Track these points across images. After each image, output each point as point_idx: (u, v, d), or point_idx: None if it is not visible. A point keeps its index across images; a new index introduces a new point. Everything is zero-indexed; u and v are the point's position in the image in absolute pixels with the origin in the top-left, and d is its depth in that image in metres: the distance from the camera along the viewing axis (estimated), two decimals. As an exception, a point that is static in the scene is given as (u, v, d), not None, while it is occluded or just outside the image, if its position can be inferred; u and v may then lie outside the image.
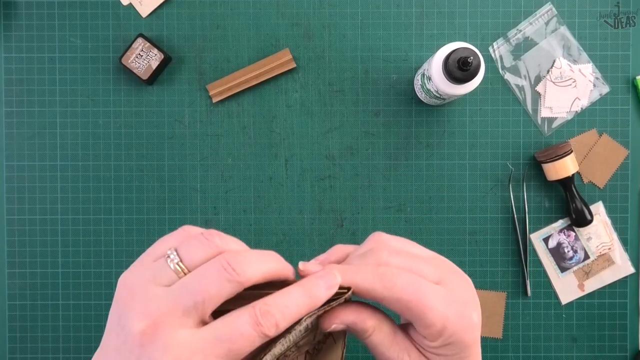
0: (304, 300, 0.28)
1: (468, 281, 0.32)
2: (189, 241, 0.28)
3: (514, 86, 0.62)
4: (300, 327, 0.29)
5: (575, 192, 0.60)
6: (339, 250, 0.34)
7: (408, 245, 0.33)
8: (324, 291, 0.28)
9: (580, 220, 0.60)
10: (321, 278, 0.29)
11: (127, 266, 0.64)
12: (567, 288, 0.63)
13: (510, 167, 0.62)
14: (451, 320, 0.29)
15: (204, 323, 0.27)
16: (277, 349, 0.29)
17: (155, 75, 0.61)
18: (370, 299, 0.31)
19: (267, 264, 0.28)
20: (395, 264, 0.31)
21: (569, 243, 0.63)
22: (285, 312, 0.27)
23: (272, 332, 0.26)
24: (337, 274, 0.29)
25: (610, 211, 0.63)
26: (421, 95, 0.60)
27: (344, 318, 0.31)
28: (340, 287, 0.30)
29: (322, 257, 0.34)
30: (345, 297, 0.31)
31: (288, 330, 0.28)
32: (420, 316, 0.29)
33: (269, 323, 0.26)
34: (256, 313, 0.26)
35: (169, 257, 0.27)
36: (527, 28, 0.62)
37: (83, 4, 0.62)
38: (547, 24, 0.62)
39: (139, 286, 0.27)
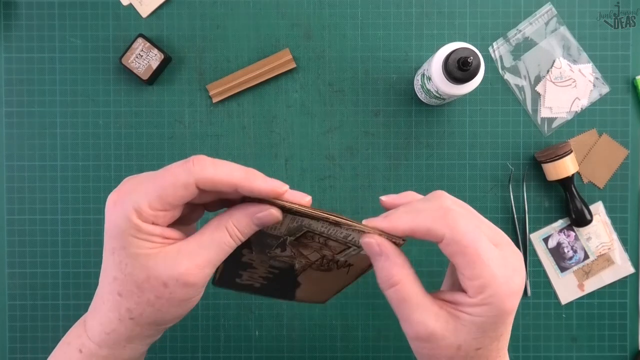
0: (235, 172, 0.31)
1: (520, 256, 0.32)
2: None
3: (513, 86, 0.62)
4: (341, 230, 0.32)
5: (575, 192, 0.60)
6: (409, 195, 0.36)
7: (474, 210, 0.34)
8: (260, 181, 0.31)
9: (580, 220, 0.60)
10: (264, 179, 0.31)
11: (127, 266, 0.64)
12: (567, 288, 0.63)
13: (510, 167, 0.62)
14: (498, 280, 0.30)
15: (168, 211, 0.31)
16: (316, 224, 0.32)
17: (155, 75, 0.61)
18: (430, 237, 0.31)
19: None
20: (455, 207, 0.31)
21: (568, 243, 0.63)
22: (210, 167, 0.30)
23: (197, 172, 0.30)
24: (283, 186, 0.32)
25: (610, 211, 0.63)
26: (421, 95, 0.60)
27: (382, 244, 0.32)
28: (397, 237, 0.32)
29: (393, 196, 0.36)
30: (396, 241, 0.32)
31: (337, 224, 0.32)
32: (471, 265, 0.30)
33: (195, 166, 0.30)
34: (187, 159, 0.31)
35: None
36: (527, 28, 0.62)
37: (83, 4, 0.62)
38: (547, 24, 0.62)
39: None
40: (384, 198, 0.36)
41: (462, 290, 0.31)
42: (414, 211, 0.32)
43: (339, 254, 0.36)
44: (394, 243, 0.33)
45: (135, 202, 0.30)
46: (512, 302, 0.30)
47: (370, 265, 0.36)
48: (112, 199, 0.31)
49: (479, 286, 0.30)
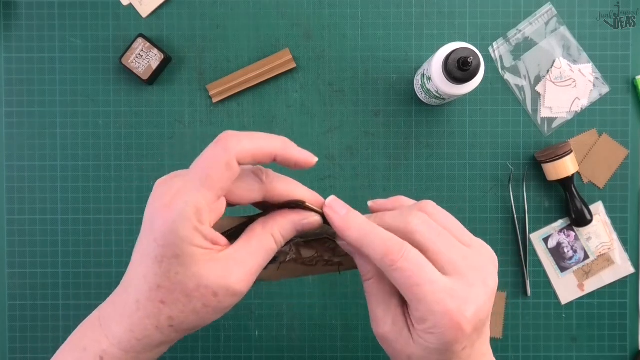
0: (272, 142, 0.31)
1: (489, 281, 0.31)
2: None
3: (513, 86, 0.62)
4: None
5: (575, 192, 0.60)
6: (397, 200, 0.36)
7: (450, 221, 0.33)
8: (295, 150, 0.32)
9: (580, 220, 0.60)
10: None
11: (126, 266, 0.64)
12: (567, 288, 0.63)
13: (510, 167, 0.62)
14: (436, 314, 0.29)
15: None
16: None
17: (155, 75, 0.61)
18: (376, 263, 0.31)
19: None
20: (422, 228, 0.31)
21: (568, 243, 0.63)
22: (245, 140, 0.30)
23: (233, 147, 0.29)
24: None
25: (610, 211, 0.63)
26: (421, 95, 0.60)
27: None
28: None
29: (381, 201, 0.36)
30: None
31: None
32: (411, 295, 0.30)
33: (228, 141, 0.29)
34: (217, 139, 0.30)
35: None
36: (527, 28, 0.62)
37: (83, 4, 0.62)
38: (547, 24, 0.62)
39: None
40: (371, 203, 0.36)
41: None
42: (374, 225, 0.32)
43: (338, 257, 0.36)
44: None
45: (191, 201, 0.28)
46: (454, 334, 0.29)
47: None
48: (161, 203, 0.29)
49: (419, 318, 0.30)
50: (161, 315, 0.30)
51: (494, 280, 0.32)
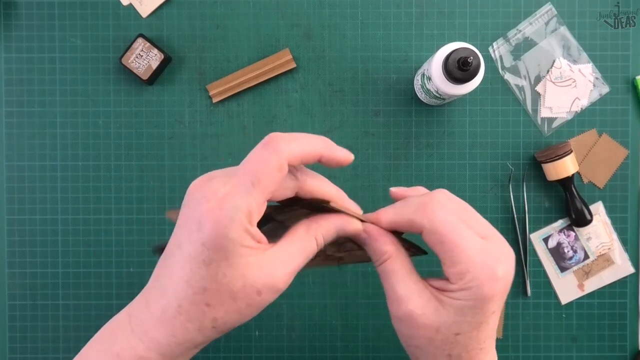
0: (316, 143, 0.32)
1: (509, 251, 0.33)
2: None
3: (513, 86, 0.62)
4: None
5: (575, 192, 0.60)
6: (418, 189, 0.37)
7: (466, 204, 0.34)
8: (338, 150, 0.33)
9: (580, 220, 0.60)
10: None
11: (127, 266, 0.64)
12: (567, 288, 0.63)
13: (510, 167, 0.62)
14: (476, 265, 0.30)
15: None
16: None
17: (155, 75, 0.61)
18: (412, 229, 0.33)
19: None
20: (439, 202, 0.33)
21: (568, 243, 0.63)
22: (294, 142, 0.30)
23: (284, 150, 0.29)
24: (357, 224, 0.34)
25: (610, 211, 0.63)
26: (421, 95, 0.60)
27: (368, 228, 0.34)
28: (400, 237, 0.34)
29: (403, 188, 0.38)
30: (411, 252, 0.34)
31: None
32: (450, 252, 0.31)
33: (279, 144, 0.30)
34: (265, 142, 0.30)
35: None
36: (527, 28, 0.62)
37: (83, 4, 0.62)
38: (547, 24, 0.62)
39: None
40: (393, 189, 0.38)
41: (448, 280, 0.32)
42: (400, 205, 0.34)
43: (343, 252, 0.37)
44: (410, 253, 0.35)
45: (243, 206, 0.28)
46: (491, 288, 0.30)
47: (359, 260, 0.38)
48: (208, 206, 0.29)
49: (458, 272, 0.31)
50: (205, 318, 0.30)
51: (509, 250, 0.33)
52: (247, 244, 0.29)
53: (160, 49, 0.60)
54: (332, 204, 0.33)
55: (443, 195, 0.33)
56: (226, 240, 0.28)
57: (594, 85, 0.62)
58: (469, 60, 0.49)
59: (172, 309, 0.30)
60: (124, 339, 0.31)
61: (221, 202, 0.28)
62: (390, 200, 0.38)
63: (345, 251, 0.37)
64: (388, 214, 0.34)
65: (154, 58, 0.60)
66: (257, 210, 0.29)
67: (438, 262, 0.32)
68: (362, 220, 0.34)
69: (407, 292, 0.32)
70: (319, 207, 0.33)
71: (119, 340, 0.31)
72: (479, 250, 0.31)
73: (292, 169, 0.32)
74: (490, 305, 0.31)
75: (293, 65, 0.61)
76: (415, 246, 0.35)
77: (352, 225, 0.33)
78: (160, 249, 0.35)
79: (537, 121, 0.62)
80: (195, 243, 0.29)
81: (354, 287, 0.62)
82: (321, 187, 0.33)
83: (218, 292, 0.29)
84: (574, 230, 0.62)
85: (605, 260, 0.62)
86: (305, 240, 0.32)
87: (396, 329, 0.34)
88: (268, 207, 0.34)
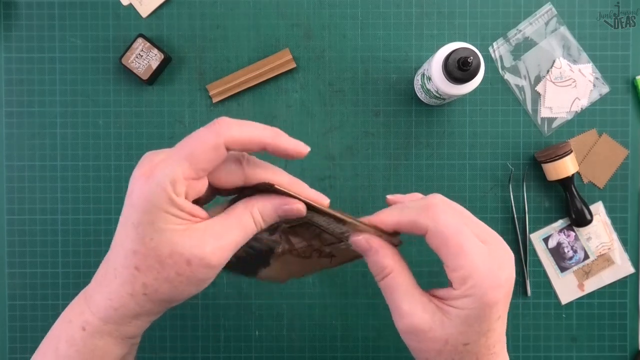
0: (263, 131, 0.32)
1: (510, 254, 0.33)
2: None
3: (514, 86, 0.62)
4: (341, 227, 0.34)
5: (575, 192, 0.60)
6: (415, 196, 0.37)
7: (464, 209, 0.34)
8: (285, 140, 0.33)
9: (580, 220, 0.60)
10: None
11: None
12: (567, 288, 0.63)
13: (510, 167, 0.62)
14: (480, 271, 0.30)
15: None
16: (319, 219, 0.34)
17: (155, 75, 0.61)
18: (416, 230, 0.33)
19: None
20: (442, 206, 0.33)
21: (568, 243, 0.63)
22: (237, 127, 0.31)
23: (224, 133, 0.30)
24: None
25: (610, 211, 0.63)
26: (421, 95, 0.60)
27: (370, 239, 0.34)
28: (389, 234, 0.34)
29: (399, 195, 0.38)
30: (393, 242, 0.34)
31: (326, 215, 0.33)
32: (453, 255, 0.31)
33: (221, 127, 0.30)
34: (211, 123, 0.31)
35: None
36: (527, 28, 0.62)
37: (83, 4, 0.62)
38: (547, 24, 0.62)
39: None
40: (390, 197, 0.38)
41: (451, 286, 0.32)
42: (402, 207, 0.34)
43: (327, 246, 0.36)
44: (392, 244, 0.34)
45: (169, 173, 0.30)
46: (495, 295, 0.30)
47: (353, 258, 0.38)
48: (141, 171, 0.30)
49: (461, 277, 0.31)
50: (135, 283, 0.31)
51: (510, 253, 0.33)
52: (173, 212, 0.30)
53: (160, 49, 0.60)
54: (277, 187, 0.33)
55: (443, 199, 0.33)
56: (150, 205, 0.30)
57: (594, 85, 0.62)
58: (469, 60, 0.49)
59: (111, 272, 0.32)
60: (78, 306, 0.33)
61: (152, 169, 0.30)
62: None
63: (328, 244, 0.37)
64: (392, 215, 0.34)
65: (154, 58, 0.60)
66: (183, 181, 0.30)
67: (438, 262, 0.32)
68: (341, 219, 0.34)
69: (411, 307, 0.32)
70: (264, 190, 0.33)
71: (74, 308, 0.33)
72: (482, 255, 0.31)
73: (239, 157, 0.33)
74: (495, 312, 0.31)
75: (293, 65, 0.61)
76: (391, 234, 0.35)
77: (293, 206, 0.33)
78: None
79: (537, 121, 0.62)
80: (127, 206, 0.31)
81: (354, 287, 0.62)
82: (270, 177, 0.33)
83: (146, 255, 0.30)
84: (574, 230, 0.62)
85: (605, 260, 0.62)
86: (241, 215, 0.32)
87: (405, 341, 0.34)
88: (232, 199, 0.34)
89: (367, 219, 0.35)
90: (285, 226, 0.36)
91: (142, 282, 0.31)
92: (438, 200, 0.33)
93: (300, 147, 0.33)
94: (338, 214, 0.34)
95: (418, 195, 0.37)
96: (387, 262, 0.33)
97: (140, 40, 0.59)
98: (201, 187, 0.31)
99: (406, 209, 0.33)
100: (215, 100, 0.62)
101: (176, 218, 0.30)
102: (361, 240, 0.34)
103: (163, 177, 0.29)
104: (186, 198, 0.31)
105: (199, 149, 0.30)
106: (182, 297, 0.32)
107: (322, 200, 0.34)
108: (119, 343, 0.33)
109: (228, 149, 0.31)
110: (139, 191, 0.30)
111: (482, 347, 0.32)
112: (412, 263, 0.34)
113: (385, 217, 0.34)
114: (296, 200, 0.33)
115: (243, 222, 0.32)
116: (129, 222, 0.31)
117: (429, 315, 0.32)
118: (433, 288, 0.34)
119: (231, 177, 0.33)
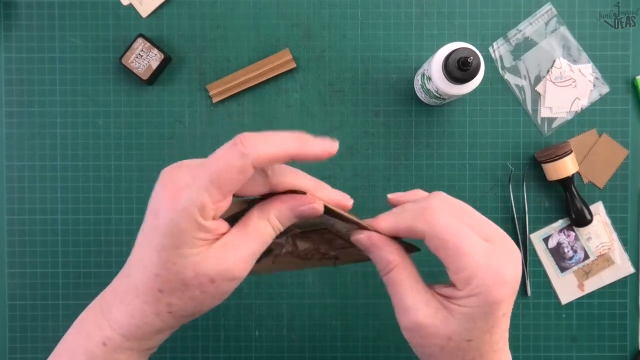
0: (288, 142, 0.30)
1: (516, 251, 0.32)
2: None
3: (514, 86, 0.62)
4: (337, 223, 0.34)
5: (575, 192, 0.60)
6: (416, 193, 0.37)
7: (466, 206, 0.33)
8: (313, 145, 0.31)
9: (580, 220, 0.60)
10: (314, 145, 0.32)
11: (127, 266, 0.64)
12: (567, 288, 0.63)
13: (510, 167, 0.62)
14: (483, 270, 0.30)
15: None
16: (340, 225, 0.33)
17: (155, 75, 0.61)
18: (413, 235, 0.32)
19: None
20: (438, 207, 0.32)
21: (568, 243, 0.63)
22: (262, 144, 0.29)
23: (250, 153, 0.29)
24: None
25: (610, 211, 0.63)
26: (421, 95, 0.60)
27: (372, 236, 0.33)
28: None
29: (399, 194, 0.37)
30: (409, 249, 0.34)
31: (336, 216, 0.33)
32: (454, 257, 0.30)
33: (246, 147, 0.29)
34: (234, 141, 0.29)
35: None
36: (527, 28, 0.62)
37: (83, 4, 0.62)
38: (547, 24, 0.62)
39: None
40: (390, 196, 0.37)
41: (454, 287, 0.31)
42: (399, 211, 0.33)
43: (336, 250, 0.36)
44: (407, 250, 0.34)
45: (196, 199, 0.29)
46: (500, 292, 0.30)
47: (359, 259, 0.37)
48: (166, 193, 0.29)
49: (465, 278, 0.30)
50: (160, 303, 0.31)
51: (515, 249, 0.32)
52: (200, 236, 0.29)
53: (160, 49, 0.60)
54: (322, 200, 0.32)
55: (442, 199, 0.33)
56: (177, 230, 0.29)
57: (594, 85, 0.62)
58: (469, 60, 0.49)
59: (131, 290, 0.31)
60: (94, 319, 0.33)
61: (178, 192, 0.29)
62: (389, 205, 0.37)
63: (337, 249, 0.36)
64: (387, 221, 0.33)
65: (154, 58, 0.60)
66: (212, 206, 0.29)
67: (438, 262, 0.32)
68: (362, 226, 0.34)
69: (414, 302, 0.32)
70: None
71: (90, 321, 0.33)
72: (484, 253, 0.30)
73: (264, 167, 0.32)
74: (500, 309, 0.30)
75: (293, 65, 0.61)
76: (408, 244, 0.35)
77: (310, 206, 0.32)
78: None
79: (537, 121, 0.62)
80: (151, 229, 0.30)
81: (354, 287, 0.62)
82: (297, 183, 0.33)
83: (169, 279, 0.30)
84: (574, 230, 0.62)
85: (605, 260, 0.62)
86: (258, 224, 0.32)
87: (407, 338, 0.33)
88: (251, 200, 0.34)
89: (367, 223, 0.35)
90: (298, 231, 0.35)
91: (167, 302, 0.31)
92: (436, 201, 0.32)
93: (328, 146, 0.32)
94: (357, 220, 0.33)
95: (420, 192, 0.37)
96: (391, 257, 0.33)
97: (140, 40, 0.59)
98: (226, 204, 0.31)
99: (403, 213, 0.33)
100: (215, 100, 0.62)
101: (202, 241, 0.30)
102: (363, 238, 0.34)
103: (190, 202, 0.29)
104: (214, 218, 0.30)
105: (225, 172, 0.29)
106: (205, 310, 0.32)
107: (345, 200, 0.34)
108: (139, 356, 0.33)
109: (254, 168, 0.30)
110: (164, 216, 0.29)
111: (486, 344, 0.32)
112: (413, 262, 0.34)
113: (382, 223, 0.34)
114: (312, 199, 0.32)
115: (261, 230, 0.32)
116: (152, 245, 0.30)
117: (432, 310, 0.31)
118: (437, 283, 0.34)
119: (257, 188, 0.32)
